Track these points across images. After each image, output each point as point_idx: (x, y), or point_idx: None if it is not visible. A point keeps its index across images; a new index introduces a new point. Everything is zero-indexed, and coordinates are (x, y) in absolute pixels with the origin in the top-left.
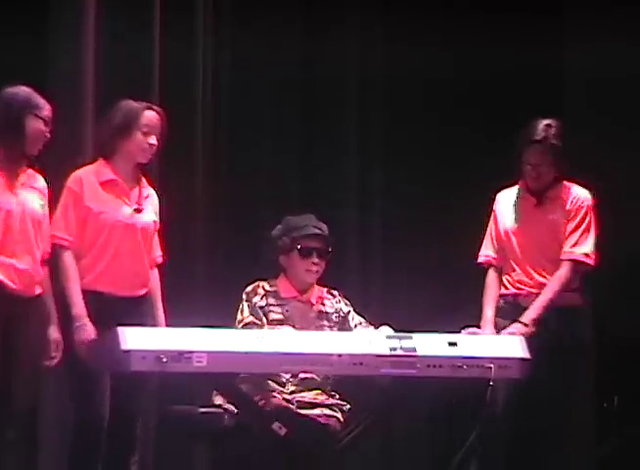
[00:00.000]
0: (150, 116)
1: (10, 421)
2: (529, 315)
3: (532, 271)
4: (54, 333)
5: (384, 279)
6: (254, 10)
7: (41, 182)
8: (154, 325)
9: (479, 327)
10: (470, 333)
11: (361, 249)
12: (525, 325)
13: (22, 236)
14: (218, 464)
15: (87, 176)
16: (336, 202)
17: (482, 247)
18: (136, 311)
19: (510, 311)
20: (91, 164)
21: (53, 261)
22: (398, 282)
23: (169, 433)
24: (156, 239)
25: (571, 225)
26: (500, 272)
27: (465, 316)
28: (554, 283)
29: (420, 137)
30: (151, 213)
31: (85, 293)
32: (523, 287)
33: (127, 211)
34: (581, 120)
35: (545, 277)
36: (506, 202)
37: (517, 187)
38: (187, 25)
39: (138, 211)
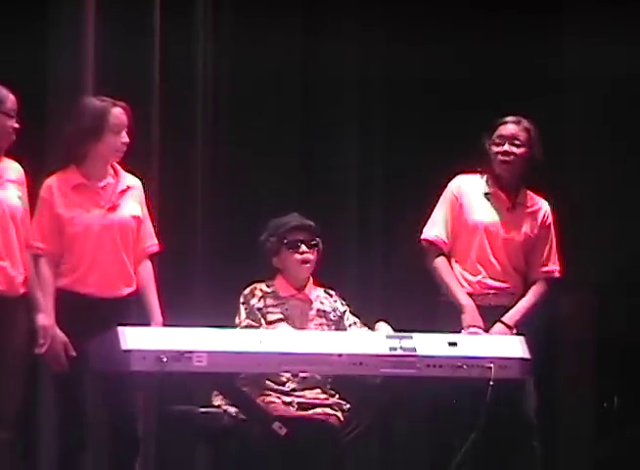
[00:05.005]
0: (117, 113)
1: (3, 422)
2: (513, 317)
3: (500, 276)
4: (41, 320)
5: (383, 279)
6: (254, 8)
7: (16, 171)
8: (145, 322)
9: (479, 327)
10: (470, 333)
11: (361, 248)
12: (509, 327)
13: (4, 236)
14: (218, 464)
15: (57, 183)
16: (336, 201)
17: (431, 225)
18: (119, 312)
19: None
20: (62, 169)
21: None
22: (398, 282)
23: (169, 433)
24: (146, 228)
25: (545, 242)
26: (448, 258)
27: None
28: (536, 296)
29: (420, 136)
30: (131, 207)
31: (66, 294)
32: (483, 289)
33: (100, 213)
34: (581, 120)
35: (507, 283)
36: (474, 193)
37: (484, 178)
38: (187, 24)
39: (112, 209)
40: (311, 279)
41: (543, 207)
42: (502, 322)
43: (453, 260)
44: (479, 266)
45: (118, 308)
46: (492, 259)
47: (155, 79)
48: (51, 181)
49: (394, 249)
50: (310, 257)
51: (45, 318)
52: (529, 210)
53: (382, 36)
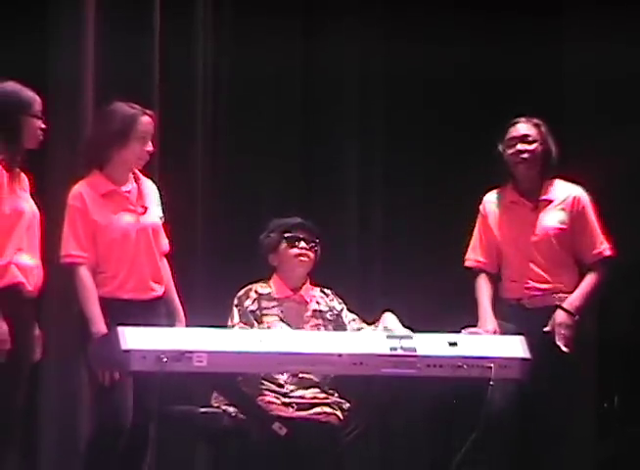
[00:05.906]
0: (145, 121)
1: (12, 420)
2: (573, 303)
3: (543, 277)
4: (37, 329)
5: (384, 279)
6: (254, 8)
7: (25, 179)
8: (171, 322)
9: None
10: (470, 333)
11: (361, 249)
12: (569, 313)
13: (33, 237)
14: (218, 464)
15: (87, 190)
16: (336, 201)
17: (470, 250)
18: (155, 313)
19: (514, 314)
20: (85, 175)
21: (63, 277)
22: (398, 282)
23: (169, 433)
24: (160, 228)
25: (585, 227)
26: (490, 275)
27: (465, 316)
28: (592, 280)
29: (420, 137)
30: (155, 208)
31: (108, 301)
32: (528, 292)
33: (133, 217)
34: (582, 120)
35: (551, 283)
36: (497, 206)
37: (506, 190)
38: (187, 24)
39: (143, 212)
40: (308, 280)
41: (572, 193)
42: (562, 308)
43: (502, 274)
44: (520, 272)
45: (153, 309)
46: (531, 264)
47: (155, 79)
48: (80, 188)
49: (395, 249)
50: (309, 253)
51: (99, 327)
52: (556, 202)
53: (381, 37)
